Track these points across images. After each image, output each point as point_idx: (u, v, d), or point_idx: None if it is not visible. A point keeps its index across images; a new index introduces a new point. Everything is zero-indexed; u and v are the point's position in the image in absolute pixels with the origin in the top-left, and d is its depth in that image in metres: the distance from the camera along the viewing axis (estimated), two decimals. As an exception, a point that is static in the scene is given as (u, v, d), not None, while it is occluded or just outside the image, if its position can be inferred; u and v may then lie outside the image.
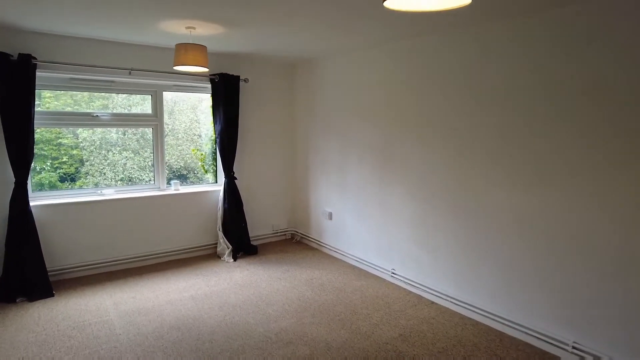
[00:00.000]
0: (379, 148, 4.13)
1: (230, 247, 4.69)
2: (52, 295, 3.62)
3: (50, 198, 4.00)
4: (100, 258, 4.20)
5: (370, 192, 4.27)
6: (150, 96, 4.51)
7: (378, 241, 4.23)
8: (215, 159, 5.08)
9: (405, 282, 3.91)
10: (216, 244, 4.91)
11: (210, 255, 4.85)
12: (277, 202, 5.46)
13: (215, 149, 5.01)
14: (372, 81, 4.15)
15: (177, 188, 4.71)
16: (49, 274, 3.76)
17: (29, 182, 3.80)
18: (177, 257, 4.68)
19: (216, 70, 4.66)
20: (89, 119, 4.15)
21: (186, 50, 3.33)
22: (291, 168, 5.53)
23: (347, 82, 4.48)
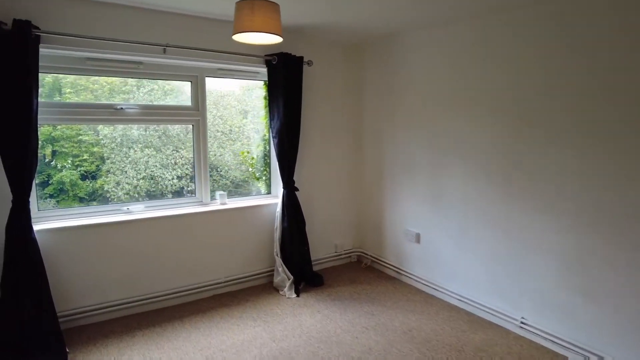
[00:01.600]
0: (500, 151, 2.99)
1: (292, 277, 3.63)
2: (65, 357, 2.61)
3: (61, 219, 3.00)
4: (127, 296, 3.19)
5: (484, 210, 3.14)
6: (190, 83, 3.45)
7: (496, 278, 3.10)
8: (267, 165, 4.01)
9: (544, 336, 2.79)
10: (271, 271, 3.86)
11: (265, 286, 3.81)
12: (341, 216, 4.37)
13: (268, 152, 3.94)
14: (484, 60, 3.00)
15: (224, 202, 3.65)
16: (60, 320, 2.76)
17: (32, 198, 2.79)
18: (224, 290, 3.65)
19: (273, 50, 3.57)
20: (111, 113, 3.13)
21: (252, 10, 2.24)
22: (358, 173, 4.43)
23: (447, 62, 3.34)
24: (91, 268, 3.03)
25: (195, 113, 3.47)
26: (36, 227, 2.77)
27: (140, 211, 3.29)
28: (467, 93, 3.21)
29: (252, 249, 3.78)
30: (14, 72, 2.48)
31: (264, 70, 3.66)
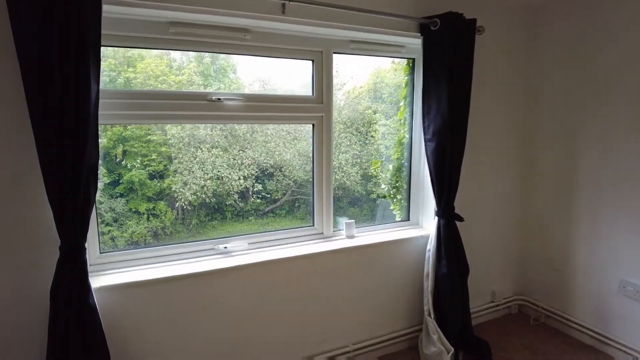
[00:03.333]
0: None
1: (452, 350, 2.43)
2: None
3: (131, 265, 2.00)
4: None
5: None
6: (311, 62, 2.33)
7: None
8: (401, 179, 2.82)
9: None
10: (414, 332, 2.69)
11: (404, 353, 2.64)
12: (498, 250, 3.10)
13: (408, 162, 2.76)
14: None
15: (352, 233, 2.51)
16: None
17: (90, 244, 1.79)
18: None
19: (428, 10, 2.37)
20: (203, 108, 2.05)
21: None
22: (523, 190, 3.12)
23: None
24: (175, 335, 2.00)
25: (317, 107, 2.36)
26: (96, 283, 1.77)
27: (241, 249, 2.23)
28: None
29: (389, 301, 2.63)
30: (61, 44, 1.45)
31: (413, 42, 2.47)
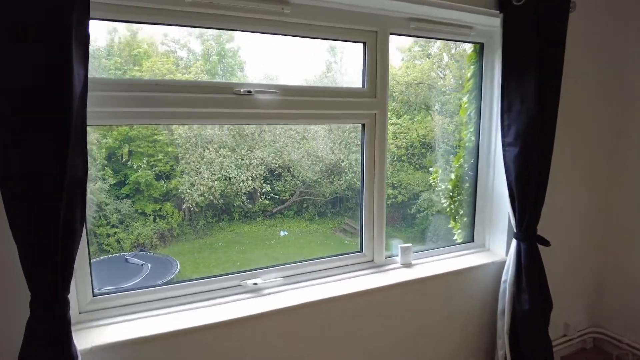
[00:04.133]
0: None
1: (535, 408, 1.91)
2: None
3: (133, 312, 1.49)
4: None
5: None
6: (362, 46, 1.82)
7: None
8: (459, 192, 2.31)
9: None
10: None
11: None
12: (573, 275, 2.58)
13: (470, 172, 2.25)
14: None
15: (409, 261, 2.01)
16: None
17: (80, 287, 1.31)
18: None
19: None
20: (228, 103, 1.57)
21: None
22: (604, 203, 2.59)
23: None
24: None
25: (369, 102, 1.86)
26: (86, 342, 1.29)
27: (274, 285, 1.73)
28: None
29: (452, 342, 2.13)
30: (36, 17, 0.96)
31: (485, 22, 1.99)
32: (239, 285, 1.71)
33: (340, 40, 1.78)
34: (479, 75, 2.17)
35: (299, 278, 1.82)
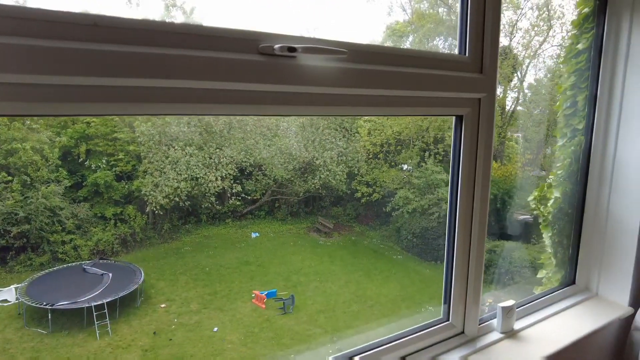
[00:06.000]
0: None
1: None
2: None
3: None
4: None
5: None
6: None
7: None
8: (564, 216, 1.91)
9: None
10: None
11: None
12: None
13: (579, 186, 1.85)
14: None
15: (511, 327, 1.42)
16: None
17: None
18: None
19: None
20: (250, 72, 0.81)
21: None
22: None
23: None
24: None
25: (473, 80, 1.16)
26: None
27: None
28: None
29: None
30: None
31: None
32: None
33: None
34: (597, 48, 1.58)
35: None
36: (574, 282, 1.73)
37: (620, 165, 1.57)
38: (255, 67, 0.82)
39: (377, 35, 9.99)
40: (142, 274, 8.25)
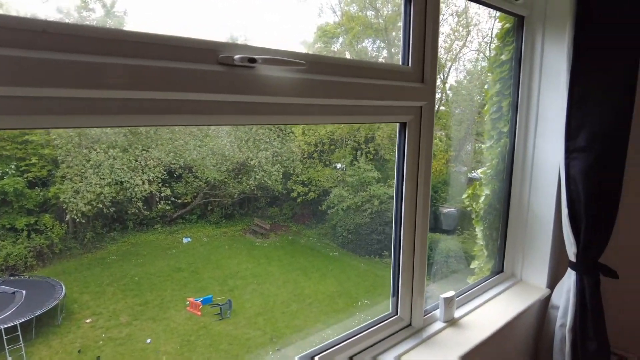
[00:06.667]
0: None
1: None
2: None
3: None
4: None
5: None
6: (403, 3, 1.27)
7: None
8: (492, 210, 2.10)
9: None
10: None
11: None
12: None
13: (506, 184, 2.04)
14: None
15: (452, 315, 1.54)
16: None
17: None
18: None
19: None
20: (210, 83, 0.81)
21: None
22: None
23: None
24: None
25: (416, 89, 1.26)
26: None
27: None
28: None
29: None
30: None
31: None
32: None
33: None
34: (517, 58, 1.74)
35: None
36: (502, 270, 1.92)
37: (538, 164, 1.76)
38: (215, 78, 0.82)
39: (308, 35, 10.12)
40: (63, 288, 7.60)
